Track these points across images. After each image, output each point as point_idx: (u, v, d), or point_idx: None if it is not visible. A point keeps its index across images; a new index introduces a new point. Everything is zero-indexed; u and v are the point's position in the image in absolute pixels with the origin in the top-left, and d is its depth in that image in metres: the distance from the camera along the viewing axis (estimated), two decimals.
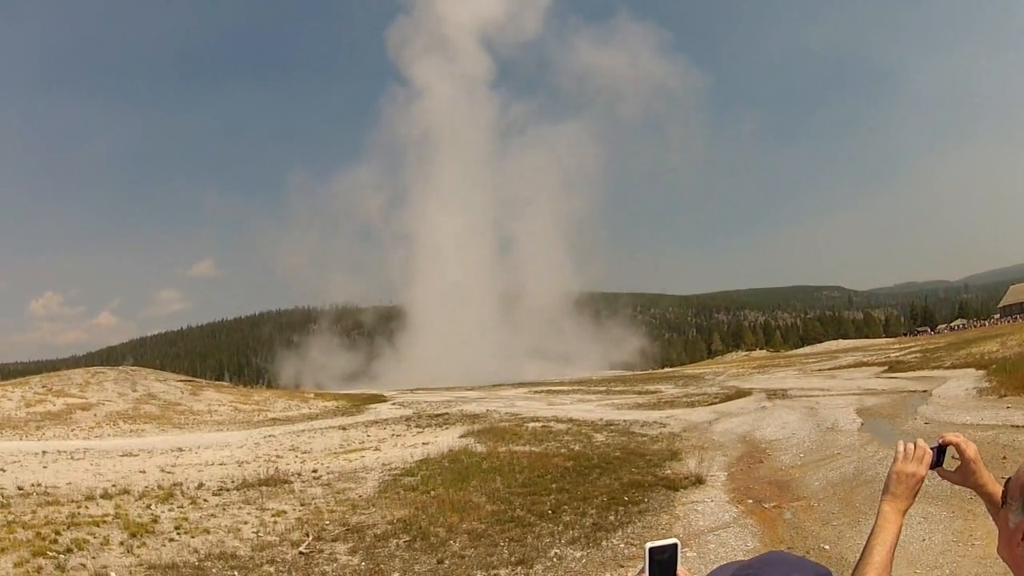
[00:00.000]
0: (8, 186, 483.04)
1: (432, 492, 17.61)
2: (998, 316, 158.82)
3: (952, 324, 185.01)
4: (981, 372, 37.10)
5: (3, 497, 17.70)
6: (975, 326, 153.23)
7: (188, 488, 19.03)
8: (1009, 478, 2.09)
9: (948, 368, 44.42)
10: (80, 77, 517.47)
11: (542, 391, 65.72)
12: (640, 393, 53.38)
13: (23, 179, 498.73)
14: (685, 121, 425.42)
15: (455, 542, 13.31)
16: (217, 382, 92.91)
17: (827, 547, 11.93)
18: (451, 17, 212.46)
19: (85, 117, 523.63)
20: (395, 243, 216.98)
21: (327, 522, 15.09)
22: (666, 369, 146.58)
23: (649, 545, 2.03)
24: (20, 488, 18.93)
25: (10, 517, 15.29)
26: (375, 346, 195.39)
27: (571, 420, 32.98)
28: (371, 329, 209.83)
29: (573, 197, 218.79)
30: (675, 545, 2.06)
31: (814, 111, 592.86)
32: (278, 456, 25.86)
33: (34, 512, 15.89)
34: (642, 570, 2.03)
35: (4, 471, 22.07)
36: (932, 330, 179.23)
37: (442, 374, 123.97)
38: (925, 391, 33.10)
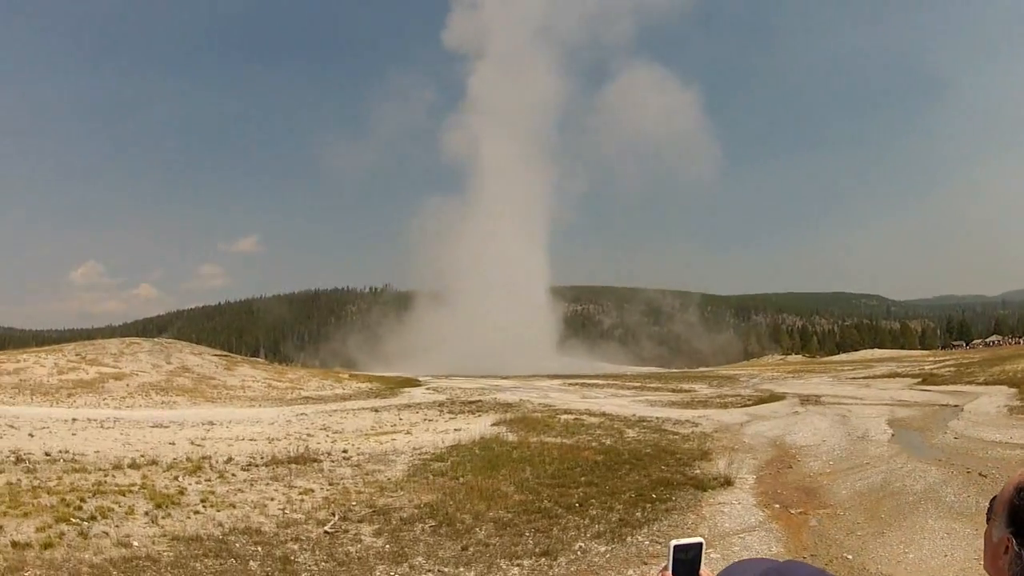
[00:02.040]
0: (60, 155, 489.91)
1: (461, 479, 17.65)
2: None
3: (987, 340, 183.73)
4: (1014, 390, 36.80)
5: (30, 462, 17.89)
6: (1010, 343, 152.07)
7: (217, 462, 19.18)
8: (994, 497, 2.09)
9: (981, 384, 44.02)
10: (135, 50, 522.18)
11: (576, 384, 65.67)
12: (674, 391, 53.35)
13: (74, 149, 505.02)
14: (729, 120, 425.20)
15: (481, 530, 13.35)
16: (252, 358, 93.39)
17: (850, 557, 11.87)
18: None
19: (140, 89, 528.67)
20: (442, 227, 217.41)
21: (354, 503, 15.13)
22: (701, 368, 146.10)
23: (674, 543, 2.02)
24: (47, 454, 19.15)
25: (35, 482, 15.46)
26: (412, 329, 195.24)
27: (604, 414, 32.94)
28: (409, 312, 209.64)
29: (617, 195, 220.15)
30: (700, 544, 2.04)
31: (861, 117, 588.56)
32: (309, 435, 26.02)
33: (60, 478, 16.05)
34: (665, 567, 2.01)
35: (33, 436, 22.34)
36: (967, 344, 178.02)
37: (478, 361, 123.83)
38: (957, 406, 32.79)
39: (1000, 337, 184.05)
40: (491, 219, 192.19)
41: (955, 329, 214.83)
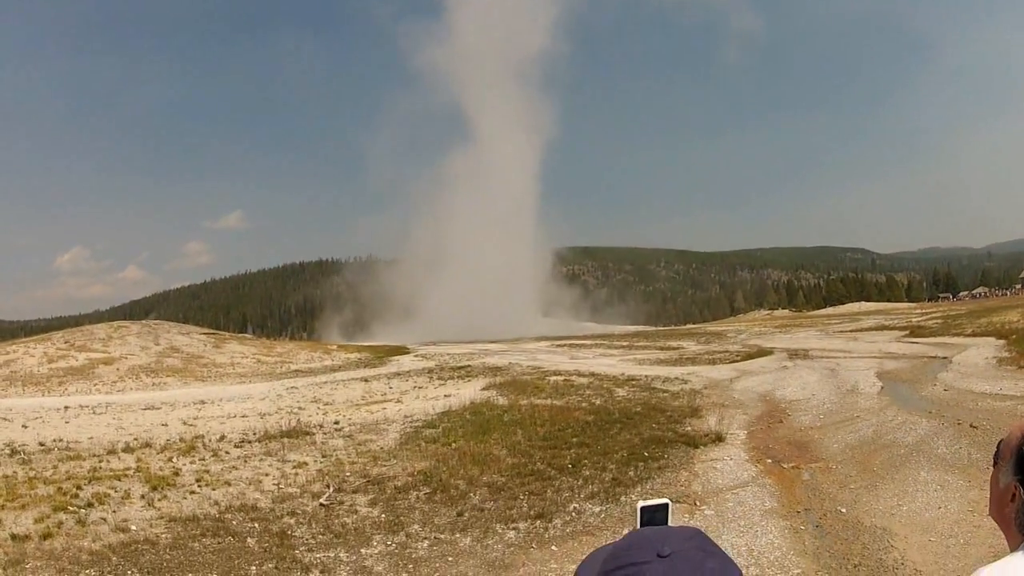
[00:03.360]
0: (41, 140, 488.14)
1: (453, 444, 17.69)
2: (1020, 286, 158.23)
3: (974, 292, 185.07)
4: (1001, 342, 37.04)
5: (25, 453, 17.87)
6: (997, 295, 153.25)
7: (210, 441, 19.19)
8: (1001, 440, 2.10)
9: (969, 336, 44.23)
10: (114, 31, 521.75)
11: (565, 345, 65.74)
12: (662, 349, 53.40)
13: (56, 133, 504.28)
14: (716, 82, 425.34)
15: (475, 495, 13.41)
16: (240, 334, 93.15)
17: (843, 510, 11.94)
18: None
19: (116, 72, 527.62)
20: (426, 193, 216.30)
21: (348, 474, 15.18)
22: (689, 325, 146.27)
23: (641, 504, 2.05)
24: (42, 444, 19.10)
25: (31, 473, 15.45)
26: (399, 297, 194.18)
27: (593, 374, 32.96)
28: (395, 280, 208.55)
29: (601, 152, 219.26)
30: (667, 505, 2.06)
31: (848, 76, 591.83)
32: (300, 408, 26.03)
33: (55, 467, 16.05)
34: (634, 528, 2.04)
35: (26, 427, 22.28)
36: (954, 296, 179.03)
37: (466, 326, 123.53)
38: (945, 357, 32.95)
39: (987, 289, 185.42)
40: (479, 180, 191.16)
41: (941, 281, 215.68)
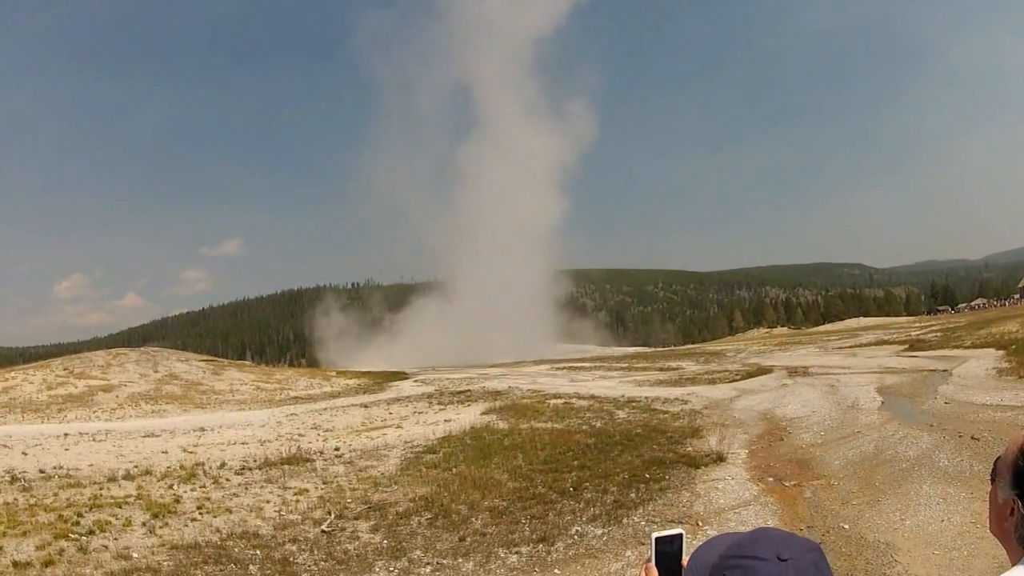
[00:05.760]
0: (40, 167, 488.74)
1: (454, 469, 17.66)
2: (1018, 296, 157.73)
3: (973, 303, 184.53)
4: (1001, 352, 36.91)
5: (25, 480, 17.83)
6: (995, 306, 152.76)
7: (210, 468, 19.13)
8: (998, 457, 2.12)
9: (968, 348, 44.21)
10: (114, 57, 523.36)
11: (564, 368, 65.80)
12: (662, 370, 53.42)
13: (54, 160, 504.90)
14: (709, 97, 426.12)
15: (477, 519, 13.36)
16: (239, 361, 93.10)
17: (846, 526, 11.91)
18: None
19: (114, 98, 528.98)
20: (428, 219, 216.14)
21: (349, 500, 15.15)
22: (687, 346, 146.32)
23: (655, 535, 2.03)
24: (42, 471, 19.06)
25: (32, 500, 15.41)
26: (397, 323, 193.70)
27: (593, 397, 32.94)
28: (394, 306, 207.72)
29: (595, 173, 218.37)
30: (681, 535, 2.05)
31: (841, 88, 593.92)
32: (300, 435, 25.99)
33: (56, 495, 16.01)
34: (648, 559, 2.03)
35: (26, 455, 22.24)
36: (952, 309, 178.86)
37: (465, 351, 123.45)
38: (945, 370, 32.95)
39: (985, 300, 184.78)
40: (478, 211, 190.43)
41: (939, 294, 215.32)
